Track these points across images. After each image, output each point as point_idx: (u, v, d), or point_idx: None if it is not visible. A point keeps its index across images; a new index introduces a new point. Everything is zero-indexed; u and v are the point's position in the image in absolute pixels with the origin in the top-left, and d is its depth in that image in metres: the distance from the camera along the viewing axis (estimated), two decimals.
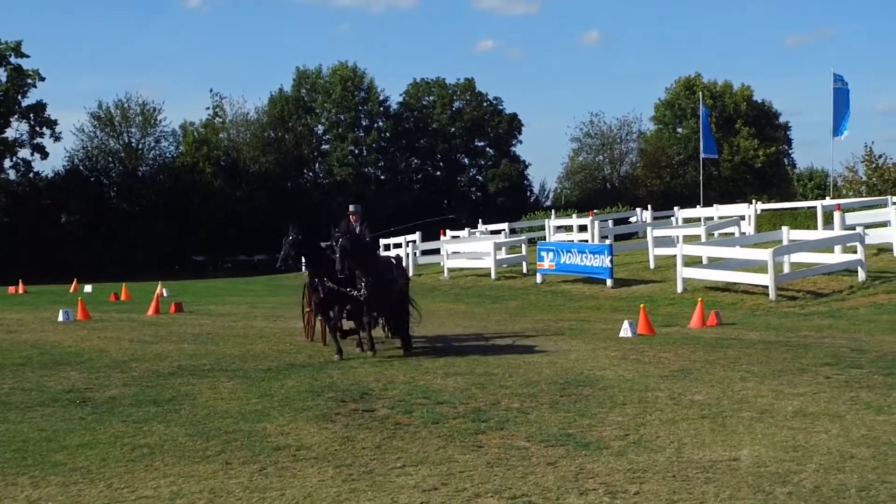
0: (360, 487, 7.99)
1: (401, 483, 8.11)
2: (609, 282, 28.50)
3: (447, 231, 46.46)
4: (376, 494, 7.78)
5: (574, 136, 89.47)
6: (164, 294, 32.66)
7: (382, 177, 78.58)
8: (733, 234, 33.17)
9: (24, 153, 70.05)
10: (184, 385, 13.46)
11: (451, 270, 37.19)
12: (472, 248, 38.47)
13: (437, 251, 40.51)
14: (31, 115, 69.72)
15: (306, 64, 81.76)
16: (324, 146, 78.07)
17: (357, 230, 16.84)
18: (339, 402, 11.92)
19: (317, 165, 78.04)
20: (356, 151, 76.21)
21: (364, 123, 77.31)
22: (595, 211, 47.20)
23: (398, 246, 46.89)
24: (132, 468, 8.71)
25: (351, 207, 17.67)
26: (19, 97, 68.88)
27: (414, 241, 42.05)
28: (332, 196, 71.42)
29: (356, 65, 77.11)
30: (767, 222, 35.75)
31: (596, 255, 29.14)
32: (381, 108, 78.18)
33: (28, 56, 68.54)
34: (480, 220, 51.55)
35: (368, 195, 72.78)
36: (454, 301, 30.36)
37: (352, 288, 16.27)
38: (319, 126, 78.16)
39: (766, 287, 23.70)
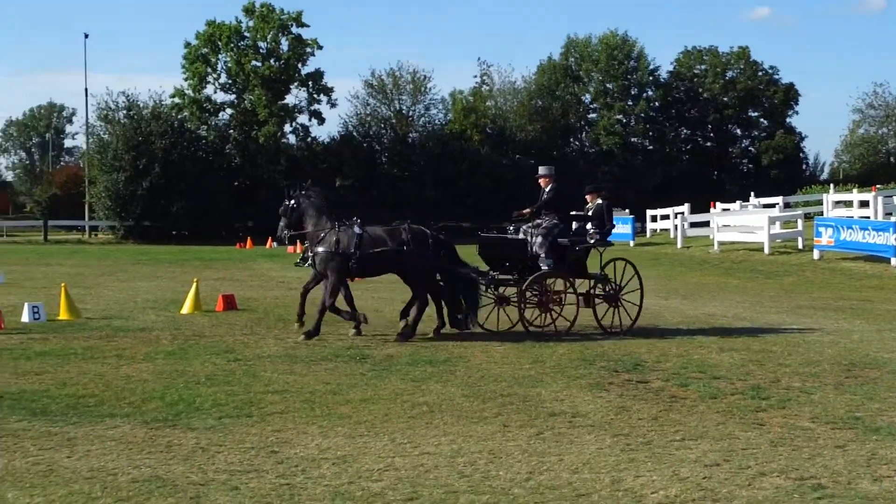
0: (640, 458, 7.86)
1: (681, 456, 7.92)
2: (894, 261, 27.02)
3: (717, 203, 45.34)
4: (656, 466, 7.63)
5: (856, 108, 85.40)
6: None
7: (650, 147, 77.28)
8: None
9: (303, 119, 73.15)
10: (456, 347, 13.69)
11: (721, 244, 36.19)
12: (744, 222, 37.30)
13: (706, 223, 39.58)
14: (310, 82, 72.48)
15: (577, 32, 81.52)
16: (591, 115, 77.56)
17: (545, 196, 15.92)
18: (612, 372, 11.81)
19: (583, 134, 77.55)
20: (624, 121, 75.35)
21: (633, 92, 76.27)
22: (878, 186, 44.85)
23: (665, 217, 46.20)
24: (413, 424, 8.90)
25: (541, 170, 16.42)
26: (299, 65, 71.72)
27: (682, 213, 41.24)
28: (598, 165, 70.88)
29: (626, 33, 76.23)
30: None
31: (880, 233, 27.69)
32: (651, 77, 76.90)
33: (308, 26, 71.28)
34: (752, 193, 50.00)
35: (635, 165, 71.90)
36: (725, 275, 29.63)
37: None
38: (587, 95, 77.70)
39: None
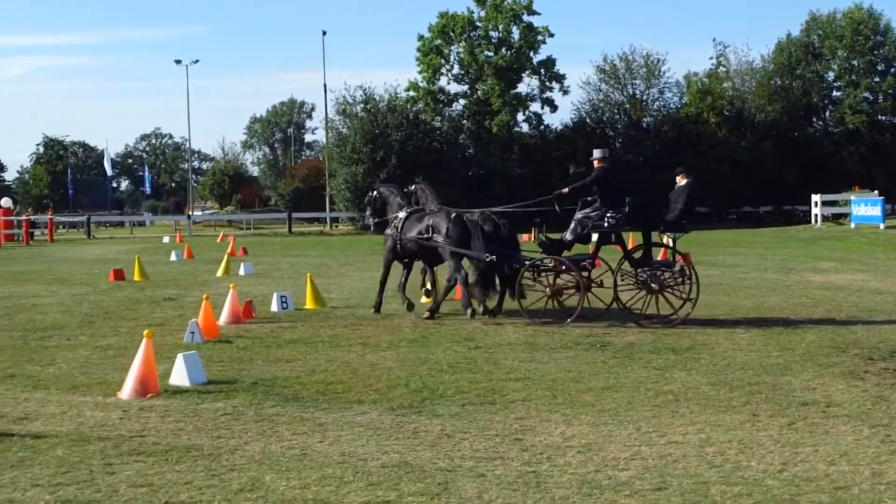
0: None
1: None
2: None
3: None
4: None
5: None
6: (670, 244, 32.72)
7: None
8: None
9: (535, 107, 73.35)
10: (700, 334, 13.37)
11: None
12: None
13: None
14: (542, 70, 72.58)
15: (819, 8, 78.30)
16: (835, 93, 74.39)
17: (588, 178, 15.56)
18: (867, 360, 11.27)
19: (826, 114, 74.51)
20: (870, 98, 71.88)
21: (879, 68, 72.62)
22: None
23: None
24: (658, 413, 8.72)
25: (596, 153, 15.74)
26: (531, 53, 71.93)
27: None
28: (843, 146, 67.98)
29: (871, 7, 72.70)
30: None
31: None
32: None
33: (539, 14, 71.41)
34: None
35: (884, 144, 68.47)
36: None
37: None
38: (830, 72, 74.55)
39: None
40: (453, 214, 15.74)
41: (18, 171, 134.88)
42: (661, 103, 73.02)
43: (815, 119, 74.72)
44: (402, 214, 16.38)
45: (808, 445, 7.62)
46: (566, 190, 15.86)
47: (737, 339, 12.96)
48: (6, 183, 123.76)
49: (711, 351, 12.00)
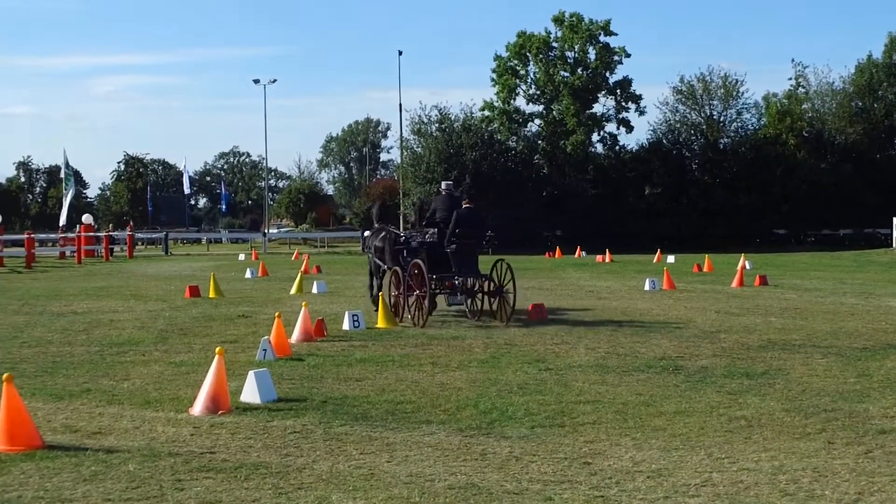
0: None
1: None
2: None
3: None
4: None
5: None
6: (748, 267, 32.37)
7: None
8: None
9: (611, 127, 73.16)
10: (775, 359, 13.15)
11: None
12: None
13: None
14: (618, 90, 72.39)
15: None
16: None
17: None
18: None
19: None
20: None
21: None
22: None
23: None
24: (730, 439, 8.57)
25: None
26: (607, 74, 71.80)
27: None
28: None
29: None
30: None
31: None
32: None
33: (616, 34, 71.31)
34: None
35: None
36: None
37: None
38: None
39: None
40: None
41: (100, 188, 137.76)
42: (739, 124, 72.36)
43: None
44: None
45: (886, 475, 7.44)
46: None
47: (813, 364, 12.72)
48: (88, 199, 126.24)
49: (787, 376, 11.79)
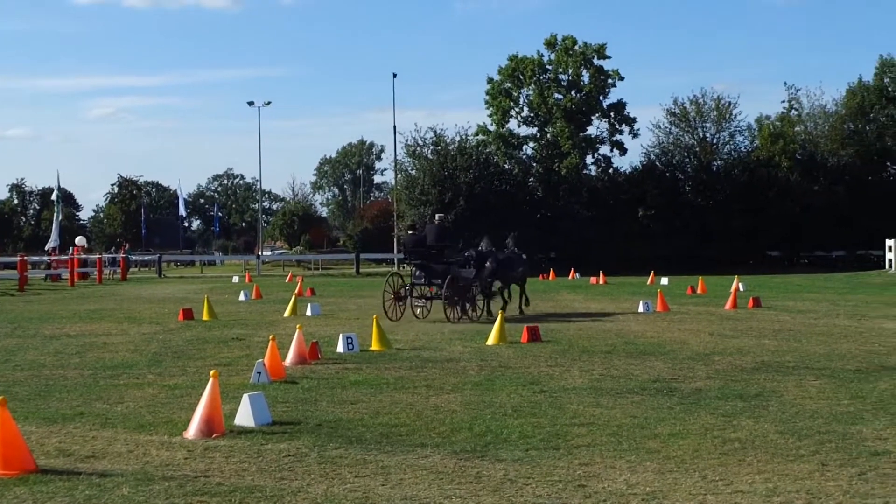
0: None
1: None
2: None
3: None
4: None
5: None
6: (741, 289, 32.40)
7: None
8: None
9: (604, 149, 73.33)
10: (768, 381, 13.17)
11: None
12: None
13: None
14: (611, 113, 72.58)
15: (891, 53, 76.92)
16: None
17: None
18: None
19: None
20: None
21: None
22: None
23: None
24: (724, 461, 8.58)
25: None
26: (600, 97, 72.00)
27: None
28: None
29: None
30: None
31: None
32: None
33: (609, 57, 71.45)
34: None
35: None
36: None
37: None
38: None
39: None
40: None
41: (94, 210, 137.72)
42: (732, 146, 72.64)
43: (889, 163, 73.69)
44: None
45: (879, 497, 7.45)
46: None
47: (807, 386, 12.74)
48: (82, 222, 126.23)
49: (780, 398, 11.80)
